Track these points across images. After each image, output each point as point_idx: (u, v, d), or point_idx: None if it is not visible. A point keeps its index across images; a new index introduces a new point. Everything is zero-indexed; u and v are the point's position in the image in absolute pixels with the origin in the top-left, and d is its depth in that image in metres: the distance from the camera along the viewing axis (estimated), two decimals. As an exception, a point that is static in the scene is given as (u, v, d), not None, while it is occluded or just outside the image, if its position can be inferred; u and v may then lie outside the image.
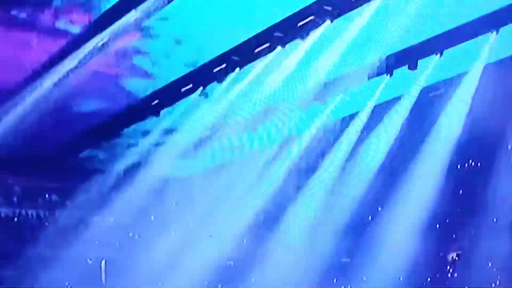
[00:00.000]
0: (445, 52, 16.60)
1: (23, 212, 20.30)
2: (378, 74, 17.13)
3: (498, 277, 19.24)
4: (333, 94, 18.44)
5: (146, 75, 18.51)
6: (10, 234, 19.69)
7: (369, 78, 17.19)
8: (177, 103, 19.21)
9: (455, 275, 20.36)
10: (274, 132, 20.19)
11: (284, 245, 20.85)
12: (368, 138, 19.80)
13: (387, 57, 16.58)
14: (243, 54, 16.57)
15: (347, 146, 19.96)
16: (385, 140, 19.41)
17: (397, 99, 18.49)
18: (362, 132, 19.66)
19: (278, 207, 20.77)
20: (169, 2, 15.01)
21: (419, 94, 18.07)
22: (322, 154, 20.33)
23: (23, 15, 16.67)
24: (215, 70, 17.23)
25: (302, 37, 15.96)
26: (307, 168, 20.66)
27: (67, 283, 19.59)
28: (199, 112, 19.09)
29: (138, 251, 20.46)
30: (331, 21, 15.49)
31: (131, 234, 21.28)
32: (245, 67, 17.22)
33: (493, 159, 19.13)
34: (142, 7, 15.14)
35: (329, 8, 15.31)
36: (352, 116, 19.69)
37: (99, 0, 16.14)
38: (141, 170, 20.39)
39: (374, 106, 19.22)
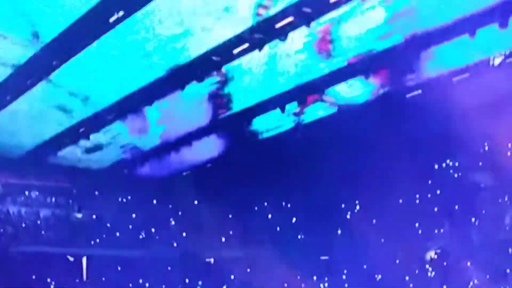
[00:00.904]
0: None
1: (5, 209, 20.36)
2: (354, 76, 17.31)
3: (476, 276, 19.49)
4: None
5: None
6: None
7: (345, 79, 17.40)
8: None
9: (434, 273, 20.58)
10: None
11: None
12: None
13: (364, 58, 16.73)
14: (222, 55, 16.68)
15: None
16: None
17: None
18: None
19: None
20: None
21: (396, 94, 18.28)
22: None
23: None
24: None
25: (281, 39, 16.12)
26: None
27: (48, 280, 19.72)
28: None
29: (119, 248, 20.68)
30: (309, 23, 15.64)
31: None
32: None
33: (471, 159, 19.37)
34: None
35: (308, 10, 15.42)
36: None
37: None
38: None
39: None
